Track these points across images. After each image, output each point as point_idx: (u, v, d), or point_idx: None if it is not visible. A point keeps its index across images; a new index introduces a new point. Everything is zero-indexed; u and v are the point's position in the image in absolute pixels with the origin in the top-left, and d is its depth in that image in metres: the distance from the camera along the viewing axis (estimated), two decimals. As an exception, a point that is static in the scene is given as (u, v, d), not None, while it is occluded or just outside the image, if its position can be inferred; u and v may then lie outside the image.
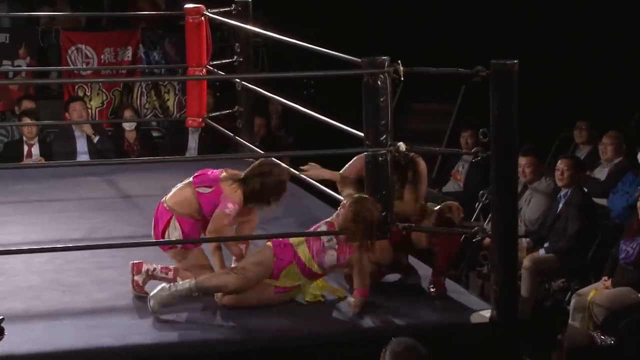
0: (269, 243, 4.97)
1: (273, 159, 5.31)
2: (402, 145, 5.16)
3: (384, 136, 5.15)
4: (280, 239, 4.98)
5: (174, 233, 5.04)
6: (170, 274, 5.05)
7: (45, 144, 8.85)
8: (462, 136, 9.21)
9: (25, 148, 8.68)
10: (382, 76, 5.11)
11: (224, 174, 5.12)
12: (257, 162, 5.21)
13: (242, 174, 5.11)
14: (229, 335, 4.65)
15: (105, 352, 4.45)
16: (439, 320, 4.85)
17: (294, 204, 6.80)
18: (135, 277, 5.06)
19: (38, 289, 5.16)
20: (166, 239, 5.05)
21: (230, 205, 4.99)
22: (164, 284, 4.84)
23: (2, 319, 3.27)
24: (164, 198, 5.13)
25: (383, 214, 5.05)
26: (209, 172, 5.15)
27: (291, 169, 5.46)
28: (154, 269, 5.06)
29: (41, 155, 8.66)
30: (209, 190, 5.06)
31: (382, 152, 5.14)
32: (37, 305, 4.92)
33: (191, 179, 5.14)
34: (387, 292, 5.16)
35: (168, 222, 5.05)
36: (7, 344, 4.27)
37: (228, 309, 4.83)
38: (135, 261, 5.07)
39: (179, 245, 5.04)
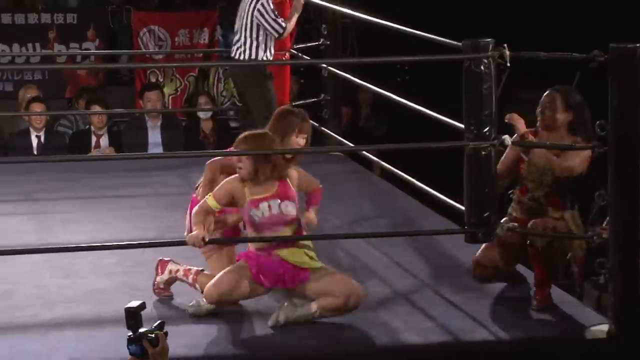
0: None
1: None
2: (507, 139, 5.11)
3: (488, 128, 5.09)
4: None
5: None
6: (190, 278, 5.07)
7: (114, 134, 8.97)
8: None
9: (94, 138, 8.81)
10: (485, 61, 5.05)
11: None
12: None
13: None
14: (314, 346, 4.65)
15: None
16: (549, 334, 4.77)
17: (388, 203, 6.81)
18: (157, 279, 5.14)
19: (107, 292, 5.22)
20: None
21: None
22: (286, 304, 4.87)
23: (162, 322, 3.27)
24: None
25: (486, 214, 5.01)
26: None
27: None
28: (177, 270, 5.11)
29: (110, 146, 8.79)
30: None
31: (485, 145, 5.08)
32: (105, 311, 4.97)
33: None
34: (492, 302, 5.11)
35: None
36: (75, 352, 4.35)
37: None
38: (163, 258, 5.13)
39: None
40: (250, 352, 4.62)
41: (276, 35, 7.28)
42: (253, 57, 7.27)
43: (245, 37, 7.31)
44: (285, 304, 4.83)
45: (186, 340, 4.59)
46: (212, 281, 4.83)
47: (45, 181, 7.30)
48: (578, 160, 5.05)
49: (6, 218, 6.54)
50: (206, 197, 4.83)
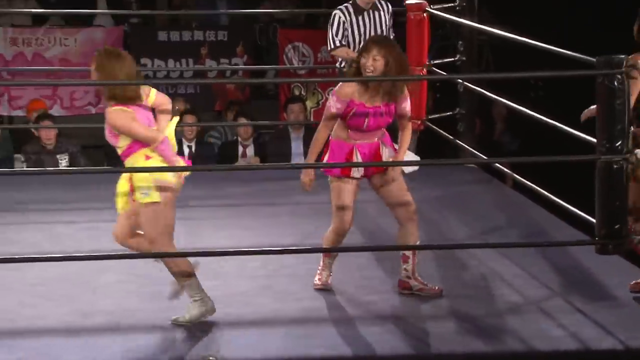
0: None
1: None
2: (639, 153, 4.98)
3: (620, 142, 4.96)
4: None
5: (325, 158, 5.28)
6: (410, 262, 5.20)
7: (259, 144, 9.09)
8: None
9: (240, 149, 8.96)
10: (619, 77, 4.93)
11: None
12: None
13: None
14: (446, 348, 4.62)
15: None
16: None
17: (519, 214, 6.71)
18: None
19: (250, 294, 5.29)
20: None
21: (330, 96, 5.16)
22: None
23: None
24: None
25: (617, 226, 4.89)
26: None
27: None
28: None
29: (256, 155, 8.91)
30: None
31: (617, 159, 4.96)
32: (249, 312, 5.04)
33: None
34: (622, 311, 4.98)
35: (328, 146, 5.25)
36: (223, 349, 4.41)
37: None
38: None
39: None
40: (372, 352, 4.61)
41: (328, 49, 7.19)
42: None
43: None
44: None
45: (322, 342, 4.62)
46: None
47: (196, 188, 7.40)
48: None
49: (159, 222, 6.68)
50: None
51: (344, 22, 6.79)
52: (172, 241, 4.85)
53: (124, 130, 4.73)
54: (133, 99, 4.75)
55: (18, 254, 5.71)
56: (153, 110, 4.92)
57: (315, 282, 5.30)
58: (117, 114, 4.72)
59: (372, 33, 6.88)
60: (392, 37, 6.88)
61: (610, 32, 10.11)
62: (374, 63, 5.05)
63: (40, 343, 4.64)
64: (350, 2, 6.92)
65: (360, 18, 6.77)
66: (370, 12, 6.94)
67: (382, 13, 6.92)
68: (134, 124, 4.72)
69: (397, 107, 5.15)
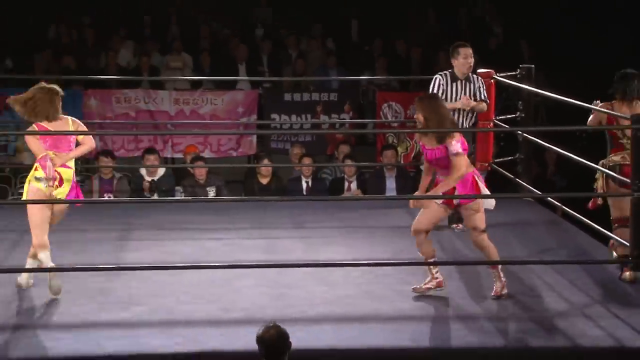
0: None
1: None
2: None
3: (651, 182, 4.85)
4: None
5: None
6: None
7: (361, 181, 9.11)
8: None
9: (346, 184, 8.99)
10: (649, 130, 4.83)
11: None
12: None
13: None
14: (502, 344, 4.53)
15: (405, 352, 4.47)
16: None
17: (567, 238, 6.59)
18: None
19: (353, 297, 5.28)
20: None
21: None
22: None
23: None
24: None
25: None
26: None
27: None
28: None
29: (358, 189, 8.92)
30: None
31: (648, 196, 4.84)
32: (352, 310, 5.03)
33: None
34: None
35: None
36: (332, 340, 4.40)
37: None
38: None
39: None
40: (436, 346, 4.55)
41: None
42: None
43: None
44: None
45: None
46: None
47: (311, 214, 7.47)
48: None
49: (282, 240, 6.72)
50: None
51: (442, 85, 6.73)
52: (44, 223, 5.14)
53: (26, 140, 5.25)
54: (42, 119, 5.17)
55: (177, 262, 5.83)
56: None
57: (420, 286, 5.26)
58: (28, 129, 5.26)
59: (461, 98, 6.79)
60: (485, 102, 6.77)
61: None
62: (418, 115, 5.23)
63: (192, 332, 4.70)
64: (450, 71, 6.83)
65: (454, 85, 6.69)
66: (464, 82, 6.78)
67: (471, 85, 6.79)
68: (31, 138, 5.19)
69: (447, 146, 5.16)
